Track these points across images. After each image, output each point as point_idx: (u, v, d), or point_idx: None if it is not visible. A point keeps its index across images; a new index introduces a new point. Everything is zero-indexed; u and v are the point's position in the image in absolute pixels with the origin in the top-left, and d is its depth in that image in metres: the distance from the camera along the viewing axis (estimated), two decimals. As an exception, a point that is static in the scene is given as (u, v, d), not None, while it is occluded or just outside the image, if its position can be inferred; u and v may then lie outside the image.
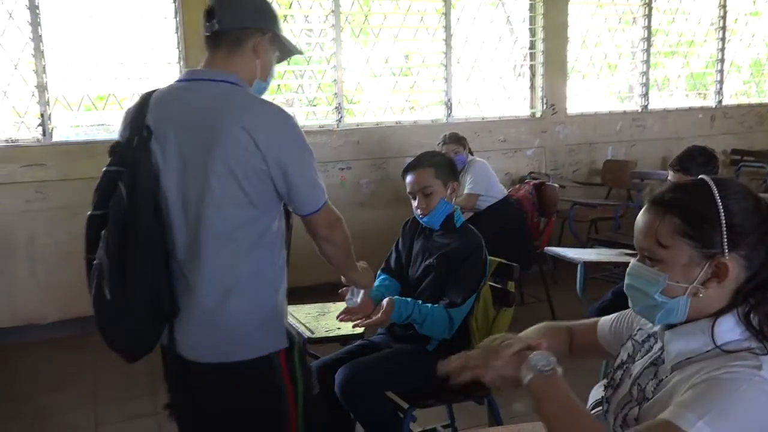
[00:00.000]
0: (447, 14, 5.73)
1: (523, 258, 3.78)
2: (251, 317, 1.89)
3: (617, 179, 6.26)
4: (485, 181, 4.87)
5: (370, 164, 5.56)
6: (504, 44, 6.13)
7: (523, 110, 6.27)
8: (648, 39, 6.63)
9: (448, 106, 5.85)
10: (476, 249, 2.74)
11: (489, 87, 6.11)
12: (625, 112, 6.63)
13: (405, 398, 2.65)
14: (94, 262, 1.88)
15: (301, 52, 2.22)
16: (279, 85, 5.36)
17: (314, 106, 5.76)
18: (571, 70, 6.31)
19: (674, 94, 7.08)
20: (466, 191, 4.82)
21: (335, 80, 5.43)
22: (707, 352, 1.28)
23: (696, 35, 6.98)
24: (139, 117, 1.90)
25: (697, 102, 7.12)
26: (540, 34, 6.13)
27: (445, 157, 3.01)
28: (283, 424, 1.95)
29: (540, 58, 6.16)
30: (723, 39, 7.04)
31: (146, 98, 1.93)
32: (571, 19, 6.21)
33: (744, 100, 7.30)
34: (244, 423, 1.94)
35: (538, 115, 6.22)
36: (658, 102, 6.81)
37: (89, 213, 1.90)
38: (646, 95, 6.70)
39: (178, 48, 4.91)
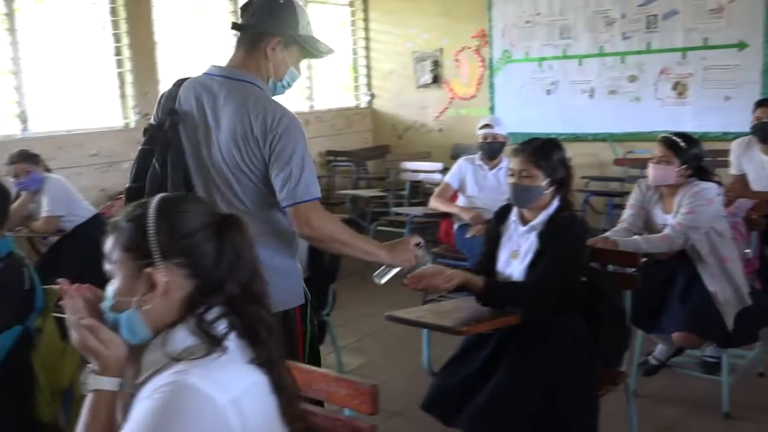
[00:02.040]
0: (11, 16, 5.07)
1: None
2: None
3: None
4: (65, 200, 4.41)
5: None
6: (90, 51, 5.67)
7: (116, 121, 5.87)
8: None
9: (23, 119, 5.19)
10: None
11: (76, 97, 5.59)
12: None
13: None
14: None
15: (326, 52, 2.33)
16: None
17: None
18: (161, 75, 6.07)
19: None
20: (44, 214, 4.31)
21: None
22: (165, 365, 1.22)
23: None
24: (171, 101, 2.18)
25: (293, 108, 7.41)
26: (126, 40, 5.78)
27: None
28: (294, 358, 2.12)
29: (128, 65, 5.81)
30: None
31: (178, 85, 2.21)
32: (159, 23, 5.98)
33: (334, 105, 7.83)
34: None
35: (132, 125, 5.87)
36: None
37: (127, 185, 2.19)
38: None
39: None
